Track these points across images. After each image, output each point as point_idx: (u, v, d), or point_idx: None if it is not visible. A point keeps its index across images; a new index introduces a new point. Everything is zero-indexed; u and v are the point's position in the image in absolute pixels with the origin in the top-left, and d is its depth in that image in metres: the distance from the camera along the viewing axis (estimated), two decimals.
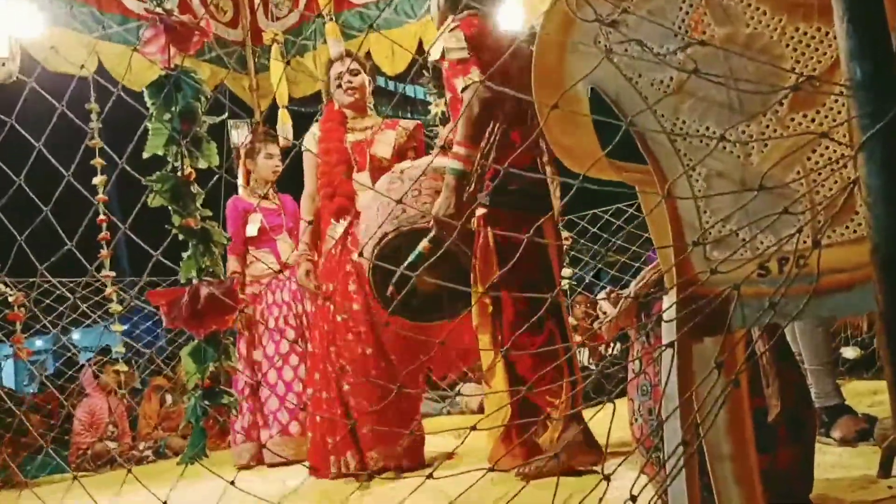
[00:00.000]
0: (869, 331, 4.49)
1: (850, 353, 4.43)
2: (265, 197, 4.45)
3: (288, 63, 5.51)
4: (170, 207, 2.22)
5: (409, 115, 7.28)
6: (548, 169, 2.77)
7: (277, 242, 4.45)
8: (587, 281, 5.82)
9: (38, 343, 9.58)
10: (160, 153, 2.24)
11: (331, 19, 5.14)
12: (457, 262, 2.82)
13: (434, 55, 2.94)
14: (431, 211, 2.77)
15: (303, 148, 3.72)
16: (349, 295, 3.48)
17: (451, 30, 2.81)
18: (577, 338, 5.48)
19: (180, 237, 2.25)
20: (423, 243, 2.68)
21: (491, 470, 1.33)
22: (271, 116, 5.59)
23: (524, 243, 1.52)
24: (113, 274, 5.17)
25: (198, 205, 2.25)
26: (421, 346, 3.40)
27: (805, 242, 1.26)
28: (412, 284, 2.65)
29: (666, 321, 1.35)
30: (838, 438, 2.65)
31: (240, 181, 4.50)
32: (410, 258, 2.67)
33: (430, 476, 1.30)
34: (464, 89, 2.75)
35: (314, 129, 3.77)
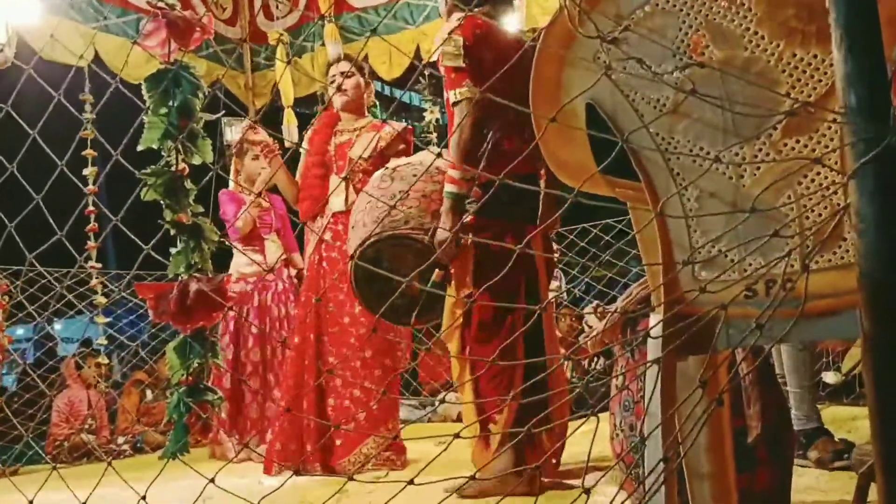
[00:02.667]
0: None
1: (830, 377, 4.45)
2: (256, 195, 4.45)
3: (290, 63, 5.51)
4: (162, 202, 2.21)
5: (404, 121, 7.29)
6: (541, 182, 2.74)
7: (266, 242, 4.46)
8: (575, 294, 5.83)
9: (20, 332, 9.52)
10: (155, 147, 2.23)
11: (330, 21, 5.14)
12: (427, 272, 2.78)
13: (434, 56, 2.82)
14: (415, 214, 2.74)
15: (301, 147, 3.75)
16: (341, 303, 3.52)
17: (451, 31, 2.65)
18: (561, 351, 5.48)
19: (171, 232, 2.24)
20: (436, 273, 2.69)
21: (472, 478, 1.33)
22: (267, 116, 5.58)
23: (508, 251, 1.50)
24: (99, 265, 5.15)
25: (190, 200, 2.24)
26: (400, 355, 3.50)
27: (793, 266, 1.27)
28: (390, 288, 2.64)
29: (652, 338, 1.36)
30: (814, 460, 2.67)
31: (232, 176, 4.52)
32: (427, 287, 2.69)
33: (410, 482, 1.30)
34: (454, 104, 2.65)
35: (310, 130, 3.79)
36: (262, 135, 4.19)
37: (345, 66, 3.74)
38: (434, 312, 2.85)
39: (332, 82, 3.71)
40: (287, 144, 4.90)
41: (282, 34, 5.38)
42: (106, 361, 5.43)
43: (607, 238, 5.15)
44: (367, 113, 3.77)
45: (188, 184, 2.27)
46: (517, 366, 2.60)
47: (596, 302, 5.03)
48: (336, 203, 3.60)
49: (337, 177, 3.60)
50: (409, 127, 3.81)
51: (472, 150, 2.63)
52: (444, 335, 2.85)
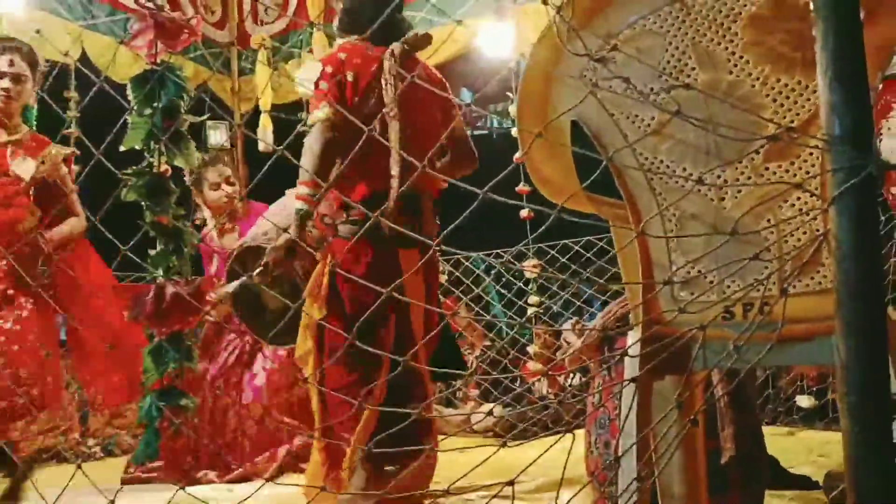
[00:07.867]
0: (821, 382, 4.55)
1: (804, 402, 4.48)
2: (223, 230, 3.90)
3: (276, 69, 5.50)
4: (143, 203, 2.18)
5: None
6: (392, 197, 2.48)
7: None
8: (553, 311, 5.83)
9: None
10: (138, 147, 2.20)
11: (319, 29, 5.13)
12: (299, 289, 2.71)
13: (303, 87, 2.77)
14: (276, 228, 2.74)
15: None
16: None
17: (321, 58, 2.62)
18: (538, 366, 5.47)
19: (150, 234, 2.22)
20: (251, 277, 2.60)
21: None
22: (252, 120, 5.57)
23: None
24: None
25: (172, 202, 2.21)
26: None
27: (770, 290, 1.28)
28: (263, 306, 2.74)
29: (630, 356, 1.36)
30: None
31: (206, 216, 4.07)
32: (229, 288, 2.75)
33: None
34: (310, 126, 2.55)
35: None
36: (214, 173, 3.86)
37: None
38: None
39: None
40: (261, 149, 4.88)
41: (265, 38, 5.37)
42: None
43: (588, 255, 5.15)
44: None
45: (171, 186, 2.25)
46: (375, 400, 2.41)
47: (575, 318, 5.03)
48: None
49: None
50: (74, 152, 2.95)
51: (323, 168, 2.52)
52: (299, 359, 2.67)
